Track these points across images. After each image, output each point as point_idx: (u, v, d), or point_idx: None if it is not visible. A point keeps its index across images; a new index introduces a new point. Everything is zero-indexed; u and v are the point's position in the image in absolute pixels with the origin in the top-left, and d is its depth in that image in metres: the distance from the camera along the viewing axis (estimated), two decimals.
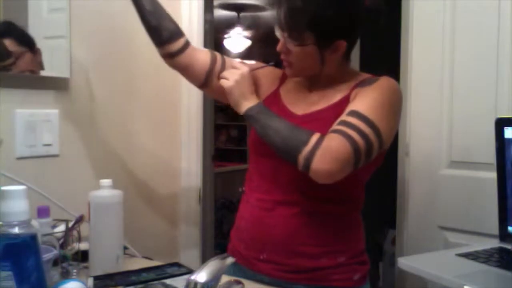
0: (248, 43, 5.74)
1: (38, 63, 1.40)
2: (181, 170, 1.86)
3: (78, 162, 1.50)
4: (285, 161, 1.12)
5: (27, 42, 1.38)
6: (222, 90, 1.21)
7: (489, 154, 1.35)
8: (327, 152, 1.02)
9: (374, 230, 3.00)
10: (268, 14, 5.28)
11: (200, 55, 1.28)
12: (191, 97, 1.86)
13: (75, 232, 1.15)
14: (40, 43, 1.38)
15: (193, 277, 0.79)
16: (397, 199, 1.94)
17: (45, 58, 1.40)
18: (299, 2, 1.09)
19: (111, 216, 1.17)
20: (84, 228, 1.19)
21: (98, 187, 1.17)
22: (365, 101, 1.10)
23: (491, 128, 1.22)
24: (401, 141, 1.92)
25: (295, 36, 1.12)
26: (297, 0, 1.09)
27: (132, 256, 1.34)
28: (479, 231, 1.63)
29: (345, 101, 1.14)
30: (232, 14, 5.20)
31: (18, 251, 0.78)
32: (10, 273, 0.76)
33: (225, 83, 1.18)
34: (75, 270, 1.12)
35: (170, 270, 1.16)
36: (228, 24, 5.42)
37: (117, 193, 1.18)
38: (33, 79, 1.39)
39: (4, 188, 0.85)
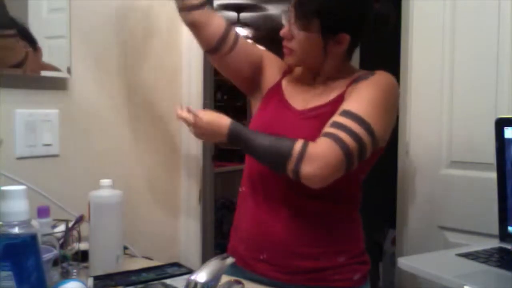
0: None
1: (40, 63, 1.40)
2: (181, 170, 1.86)
3: (78, 162, 1.49)
4: None
5: (30, 40, 1.38)
6: (228, 61, 1.25)
7: (489, 154, 1.35)
8: (314, 159, 1.02)
9: (374, 230, 3.00)
10: (268, 14, 5.28)
11: (217, 19, 1.28)
12: (191, 97, 1.86)
13: (75, 232, 1.15)
14: (40, 43, 1.38)
15: (193, 277, 0.79)
16: (397, 199, 1.94)
17: (45, 58, 1.40)
18: None
19: (111, 216, 1.17)
20: (84, 228, 1.19)
21: (98, 187, 1.17)
22: (359, 98, 1.09)
23: (491, 128, 1.22)
24: (401, 141, 1.92)
25: (302, 20, 1.13)
26: None
27: (132, 256, 1.34)
28: (479, 231, 1.63)
29: (341, 98, 1.14)
30: (232, 14, 5.20)
31: (18, 251, 0.78)
32: (10, 273, 0.76)
33: (195, 135, 1.20)
34: (75, 270, 1.12)
35: (170, 270, 1.16)
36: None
37: (117, 193, 1.18)
38: (33, 79, 1.38)
39: (4, 188, 0.84)
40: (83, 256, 1.17)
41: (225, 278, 0.91)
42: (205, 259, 1.53)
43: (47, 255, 0.98)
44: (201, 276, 0.79)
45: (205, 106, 1.95)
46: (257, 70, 1.30)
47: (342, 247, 1.18)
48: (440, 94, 1.76)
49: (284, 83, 1.28)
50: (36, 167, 1.38)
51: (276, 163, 1.07)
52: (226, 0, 4.73)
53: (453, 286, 0.92)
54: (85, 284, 0.97)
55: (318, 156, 1.02)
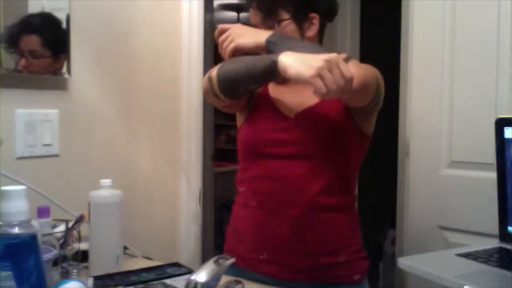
0: None
1: (57, 68, 1.41)
2: (181, 170, 1.86)
3: (78, 162, 1.49)
4: (285, 161, 1.13)
5: (53, 47, 1.38)
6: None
7: (489, 154, 1.35)
8: (357, 66, 1.07)
9: (374, 230, 3.00)
10: None
11: None
12: (191, 97, 1.86)
13: (75, 232, 1.15)
14: None
15: (193, 277, 0.79)
16: (397, 199, 1.94)
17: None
18: None
19: (111, 216, 1.17)
20: (84, 228, 1.19)
21: (98, 187, 1.17)
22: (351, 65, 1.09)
23: (491, 128, 1.22)
24: (401, 141, 1.92)
25: (269, 14, 1.15)
26: None
27: (132, 256, 1.34)
28: (479, 231, 1.63)
29: None
30: (232, 14, 5.20)
31: (18, 251, 0.78)
32: (10, 273, 0.76)
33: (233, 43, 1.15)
34: (75, 270, 1.12)
35: (170, 270, 1.16)
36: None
37: (117, 193, 1.18)
38: (33, 79, 1.39)
39: (4, 188, 0.84)
40: (83, 256, 1.17)
41: (225, 278, 0.91)
42: (205, 259, 1.53)
43: (47, 255, 0.98)
44: (201, 276, 0.79)
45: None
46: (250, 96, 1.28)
47: (343, 244, 1.19)
48: (440, 94, 1.77)
49: (270, 86, 1.26)
50: (36, 167, 1.38)
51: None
52: (226, 0, 4.73)
53: (453, 286, 0.92)
54: (85, 284, 0.97)
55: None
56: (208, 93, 1.18)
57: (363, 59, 2.42)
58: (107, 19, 1.57)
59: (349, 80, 0.92)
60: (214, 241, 3.44)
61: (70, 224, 1.16)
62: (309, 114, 1.16)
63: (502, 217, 1.21)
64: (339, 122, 1.15)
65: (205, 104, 1.88)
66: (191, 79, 1.85)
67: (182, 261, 1.42)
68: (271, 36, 1.12)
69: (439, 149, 1.78)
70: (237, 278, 0.97)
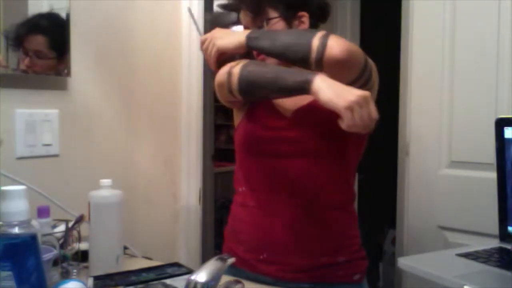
0: None
1: (60, 69, 1.41)
2: (181, 170, 1.86)
3: (78, 162, 1.49)
4: (284, 160, 1.12)
5: (58, 48, 1.38)
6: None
7: (489, 154, 1.35)
8: (339, 38, 1.04)
9: (374, 230, 3.00)
10: None
11: None
12: (191, 97, 1.86)
13: (75, 232, 1.15)
14: None
15: (193, 277, 0.79)
16: (397, 199, 1.94)
17: None
18: None
19: (111, 216, 1.17)
20: (84, 228, 1.19)
21: (98, 187, 1.17)
22: None
23: (491, 128, 1.22)
24: (401, 141, 1.92)
25: (260, 13, 1.16)
26: None
27: (132, 256, 1.34)
28: (479, 231, 1.63)
29: None
30: (232, 14, 5.19)
31: (18, 251, 0.78)
32: (10, 273, 0.76)
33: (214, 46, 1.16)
34: (75, 270, 1.12)
35: (170, 270, 1.16)
36: (228, 24, 5.42)
37: (117, 193, 1.18)
38: (33, 79, 1.39)
39: (4, 188, 0.84)
40: (83, 256, 1.17)
41: (225, 278, 0.91)
42: (205, 259, 1.53)
43: (47, 255, 0.98)
44: (201, 276, 0.79)
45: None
46: None
47: (342, 243, 1.19)
48: (440, 94, 1.77)
49: None
50: (36, 167, 1.38)
51: (303, 37, 1.05)
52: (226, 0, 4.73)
53: (453, 286, 0.92)
54: (85, 284, 0.97)
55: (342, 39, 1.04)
56: (222, 86, 1.15)
57: None
58: (107, 19, 1.57)
59: (374, 120, 0.95)
60: (214, 241, 3.44)
61: (70, 224, 1.16)
62: (306, 112, 1.16)
63: (502, 217, 1.21)
64: (336, 118, 1.15)
65: (205, 104, 1.88)
66: (191, 79, 1.85)
67: (182, 261, 1.42)
68: (251, 33, 1.12)
69: (439, 149, 1.78)
70: (237, 278, 0.97)
